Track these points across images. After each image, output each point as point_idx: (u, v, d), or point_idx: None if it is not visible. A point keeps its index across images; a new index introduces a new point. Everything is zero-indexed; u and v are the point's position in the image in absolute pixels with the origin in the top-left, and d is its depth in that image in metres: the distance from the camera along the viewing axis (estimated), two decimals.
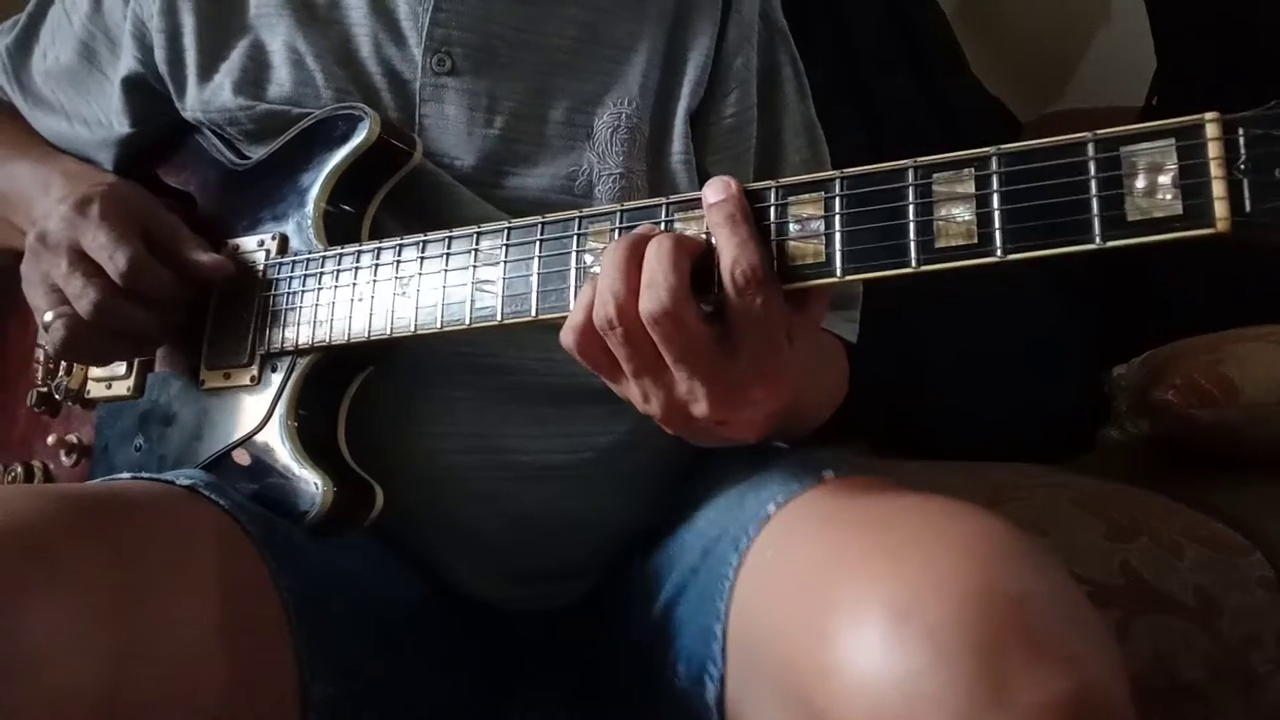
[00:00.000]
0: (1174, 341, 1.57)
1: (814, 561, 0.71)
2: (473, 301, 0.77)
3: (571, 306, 0.72)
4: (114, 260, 0.83)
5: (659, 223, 0.71)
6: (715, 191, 0.68)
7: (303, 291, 0.85)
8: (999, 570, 0.63)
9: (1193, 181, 0.56)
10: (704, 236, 0.69)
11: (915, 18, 2.00)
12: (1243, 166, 0.55)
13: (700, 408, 0.69)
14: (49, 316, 0.86)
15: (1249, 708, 1.23)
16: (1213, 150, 0.56)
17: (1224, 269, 1.67)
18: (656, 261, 0.66)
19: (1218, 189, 0.56)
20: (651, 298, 0.66)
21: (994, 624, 0.61)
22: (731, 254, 0.66)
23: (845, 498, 0.78)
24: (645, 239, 0.68)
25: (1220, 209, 0.56)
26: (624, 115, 0.92)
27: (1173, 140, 0.57)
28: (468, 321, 0.77)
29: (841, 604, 0.65)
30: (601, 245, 0.73)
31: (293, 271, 0.86)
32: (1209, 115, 0.56)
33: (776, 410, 0.72)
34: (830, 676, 0.63)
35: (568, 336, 0.70)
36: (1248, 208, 0.55)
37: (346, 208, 0.88)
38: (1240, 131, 0.56)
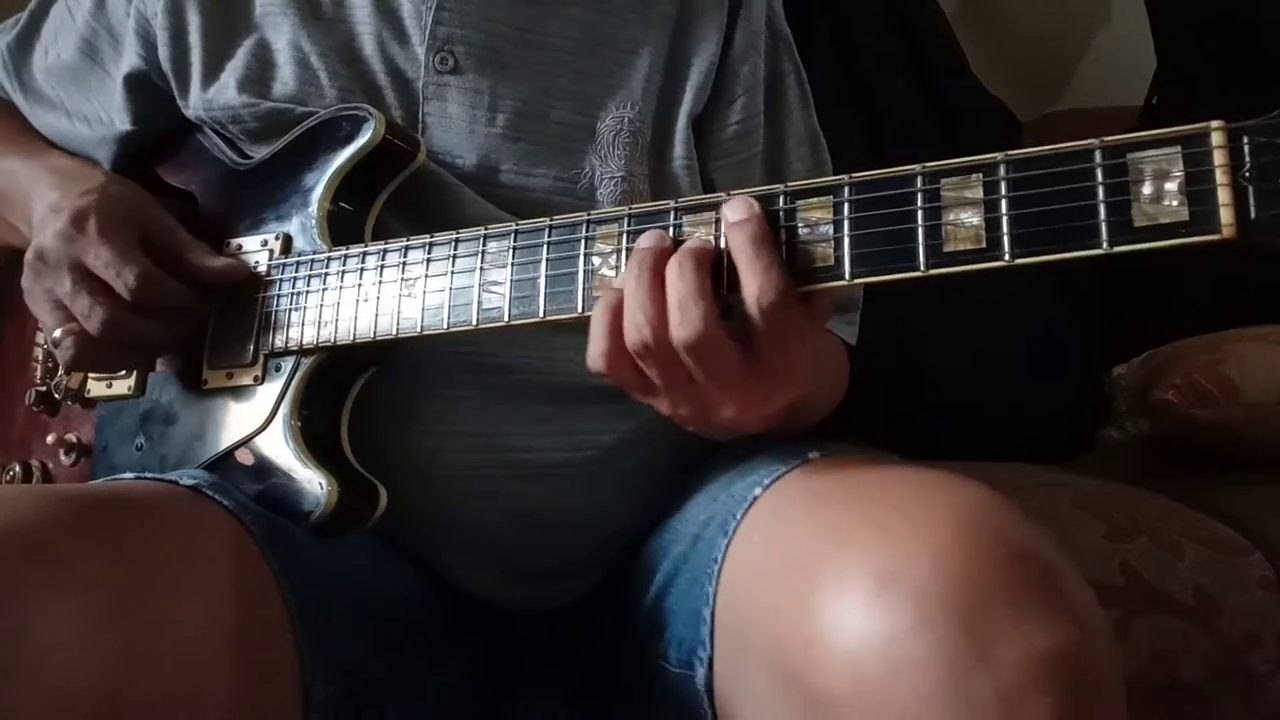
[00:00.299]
0: (1174, 341, 1.57)
1: (801, 539, 0.71)
2: (480, 303, 0.77)
3: (580, 308, 0.73)
4: (123, 278, 0.83)
5: (667, 226, 0.72)
6: (737, 211, 0.68)
7: (307, 292, 0.85)
8: (985, 535, 0.64)
9: (1199, 188, 0.57)
10: (712, 241, 0.69)
11: (915, 17, 2.00)
12: (1248, 174, 0.56)
13: (728, 412, 0.71)
14: (58, 334, 0.86)
15: (1249, 708, 1.23)
16: (1218, 158, 0.57)
17: (1224, 270, 1.67)
18: (683, 284, 0.67)
19: (1223, 196, 0.57)
20: (685, 325, 0.67)
21: (978, 585, 0.61)
22: (757, 282, 0.66)
23: (831, 475, 0.78)
24: (664, 257, 0.69)
25: (1226, 215, 0.56)
26: (626, 118, 0.92)
27: (1179, 147, 0.58)
28: (475, 322, 0.77)
29: (827, 576, 0.65)
30: (610, 248, 0.73)
31: (296, 272, 0.86)
32: (1214, 123, 0.57)
33: (789, 404, 0.73)
34: (813, 645, 0.63)
35: (598, 362, 0.71)
36: (1253, 214, 0.56)
37: (350, 208, 0.88)
38: (1245, 139, 0.56)
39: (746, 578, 0.74)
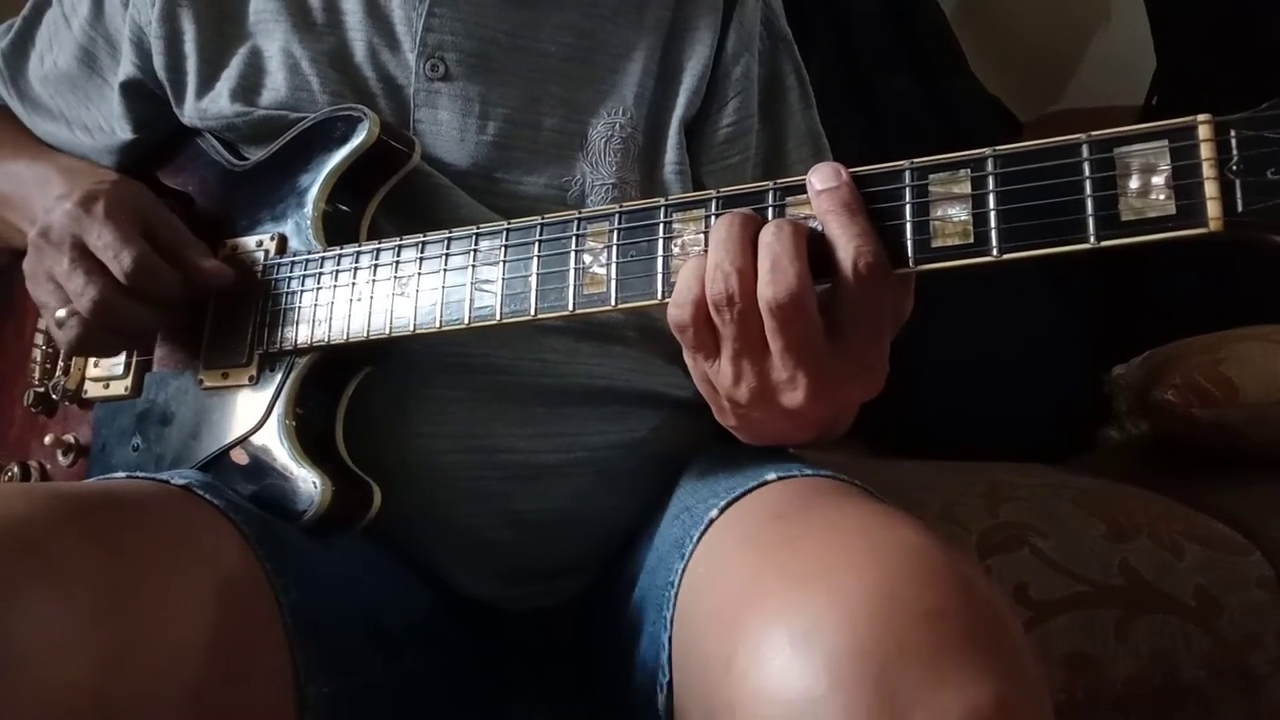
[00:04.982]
0: (1174, 341, 1.57)
1: (733, 584, 0.69)
2: (472, 301, 0.77)
3: (570, 306, 0.73)
4: (119, 259, 0.83)
5: (657, 224, 0.72)
6: (824, 178, 0.67)
7: (302, 291, 0.85)
8: (904, 591, 0.61)
9: (1186, 182, 0.57)
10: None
11: (914, 17, 2.00)
12: (1235, 167, 0.56)
13: (795, 397, 0.69)
14: (61, 314, 0.86)
15: (1249, 708, 1.23)
16: (1205, 151, 0.57)
17: (1223, 269, 1.67)
18: (779, 246, 0.66)
19: (1210, 189, 0.57)
20: (778, 283, 0.65)
21: (893, 647, 0.58)
22: (854, 244, 0.65)
23: (773, 509, 0.76)
24: (757, 221, 0.67)
25: (1213, 209, 0.57)
26: (618, 124, 0.92)
27: (1166, 141, 0.58)
28: (467, 321, 0.77)
29: (747, 634, 0.63)
30: (600, 245, 0.73)
31: (292, 271, 0.86)
32: (1201, 117, 0.58)
33: (856, 402, 0.72)
34: (736, 708, 0.61)
35: (683, 310, 0.69)
36: (1239, 208, 0.56)
37: (345, 208, 0.88)
38: (1232, 133, 0.57)
39: (689, 618, 0.73)
